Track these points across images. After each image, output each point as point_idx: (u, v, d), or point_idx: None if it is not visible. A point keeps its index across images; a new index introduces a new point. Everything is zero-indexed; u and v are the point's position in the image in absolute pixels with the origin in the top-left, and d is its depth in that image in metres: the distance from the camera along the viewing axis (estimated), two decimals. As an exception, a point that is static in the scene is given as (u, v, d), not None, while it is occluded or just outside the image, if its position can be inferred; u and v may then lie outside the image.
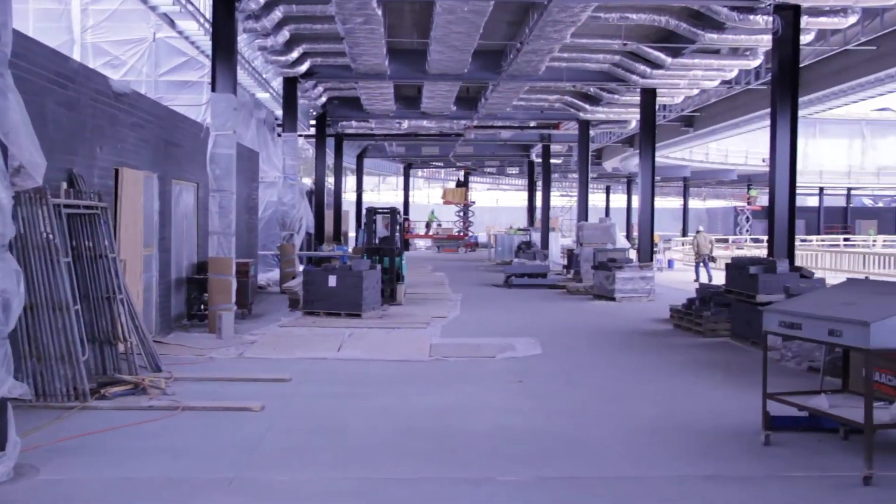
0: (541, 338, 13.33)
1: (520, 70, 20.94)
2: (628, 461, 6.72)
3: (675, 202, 69.98)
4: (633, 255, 25.18)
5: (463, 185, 56.82)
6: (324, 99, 26.60)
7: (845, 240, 57.01)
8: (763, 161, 58.77)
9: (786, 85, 15.03)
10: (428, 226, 54.13)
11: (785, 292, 11.50)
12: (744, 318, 12.85)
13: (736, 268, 13.50)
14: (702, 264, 25.65)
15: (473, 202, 55.75)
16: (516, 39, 18.95)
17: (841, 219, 65.89)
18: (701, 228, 28.58)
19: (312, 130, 30.98)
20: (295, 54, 19.88)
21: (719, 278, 23.93)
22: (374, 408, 8.48)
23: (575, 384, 10.02)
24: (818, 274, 17.45)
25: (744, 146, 56.36)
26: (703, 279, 24.27)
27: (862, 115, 60.31)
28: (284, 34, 18.08)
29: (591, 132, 31.76)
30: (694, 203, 71.45)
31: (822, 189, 63.21)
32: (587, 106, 27.32)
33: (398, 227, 19.45)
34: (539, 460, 6.69)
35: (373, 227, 19.39)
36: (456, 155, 45.24)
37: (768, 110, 25.79)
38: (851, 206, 67.71)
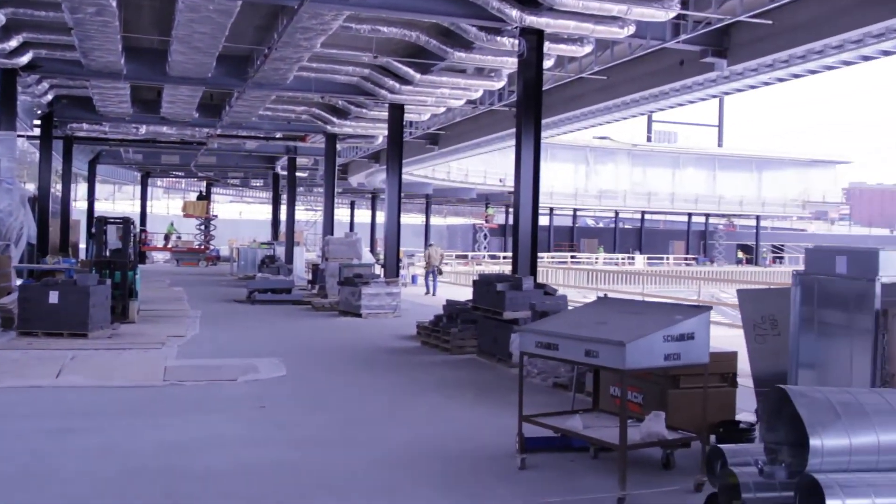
0: (286, 357, 12.67)
1: (267, 78, 20.16)
2: (380, 495, 6.29)
3: (418, 218, 71.52)
4: (378, 270, 25.09)
5: (204, 197, 54.45)
6: (50, 97, 24.27)
7: (572, 257, 60.91)
8: (500, 181, 61.51)
9: (530, 107, 15.44)
10: (167, 238, 51.36)
11: (531, 309, 11.65)
12: (490, 334, 12.92)
13: (483, 284, 13.57)
14: (431, 275, 27.63)
15: (216, 216, 53.57)
16: (264, 45, 18.18)
17: (568, 237, 70.16)
18: (433, 242, 30.13)
19: (37, 131, 28.24)
20: (14, 42, 17.82)
21: (446, 291, 25.99)
22: (94, 446, 7.46)
23: (322, 408, 9.48)
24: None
25: (483, 166, 58.60)
26: (432, 289, 26.83)
27: (586, 142, 64.83)
28: (0, 18, 16.16)
29: (338, 146, 31.46)
30: (435, 220, 73.37)
31: (552, 209, 67.16)
32: (335, 119, 26.96)
33: (132, 239, 17.98)
34: (284, 502, 6.09)
35: (103, 238, 17.76)
36: (198, 165, 43.27)
37: (510, 131, 26.89)
38: (577, 225, 72.31)
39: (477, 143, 30.87)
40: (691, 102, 21.52)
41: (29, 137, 29.75)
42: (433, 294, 26.22)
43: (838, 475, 3.48)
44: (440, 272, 28.60)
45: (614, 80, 20.05)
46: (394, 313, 19.62)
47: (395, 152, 23.79)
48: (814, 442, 3.45)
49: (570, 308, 11.76)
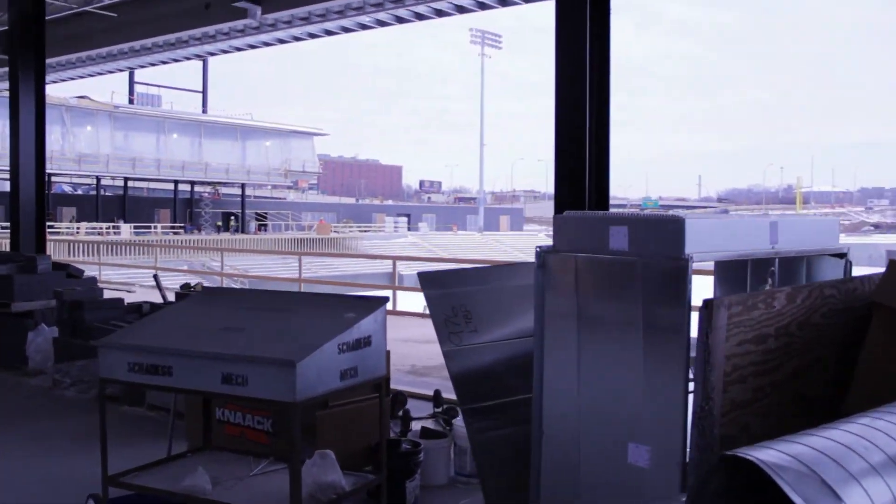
0: None
1: None
2: None
3: None
4: None
5: None
6: None
7: (50, 227, 54.68)
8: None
9: (29, 42, 12.22)
10: None
11: (57, 298, 8.85)
12: (-8, 334, 9.75)
13: (-22, 268, 10.20)
14: None
15: None
16: None
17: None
18: None
19: None
20: None
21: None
22: None
23: None
24: None
25: None
26: None
27: (61, 100, 58.96)
28: None
29: None
30: None
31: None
32: None
33: None
34: None
35: None
36: None
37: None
38: (53, 192, 65.53)
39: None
40: (212, 54, 19.43)
41: None
42: None
43: None
44: None
45: (129, 20, 17.06)
46: None
47: None
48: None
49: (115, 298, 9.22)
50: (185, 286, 8.52)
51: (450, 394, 7.47)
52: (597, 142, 6.63)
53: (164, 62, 20.10)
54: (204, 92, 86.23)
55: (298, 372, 3.85)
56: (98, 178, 65.35)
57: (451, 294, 4.68)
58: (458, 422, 5.89)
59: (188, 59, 19.57)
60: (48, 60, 18.49)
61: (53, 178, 64.20)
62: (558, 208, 6.62)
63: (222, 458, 4.97)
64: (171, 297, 9.12)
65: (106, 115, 65.58)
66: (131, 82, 79.37)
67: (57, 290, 8.89)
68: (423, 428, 5.85)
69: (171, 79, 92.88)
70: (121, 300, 8.80)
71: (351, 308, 4.42)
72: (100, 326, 8.25)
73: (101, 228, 57.63)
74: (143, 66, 20.76)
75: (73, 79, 21.81)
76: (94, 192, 67.22)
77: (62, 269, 9.94)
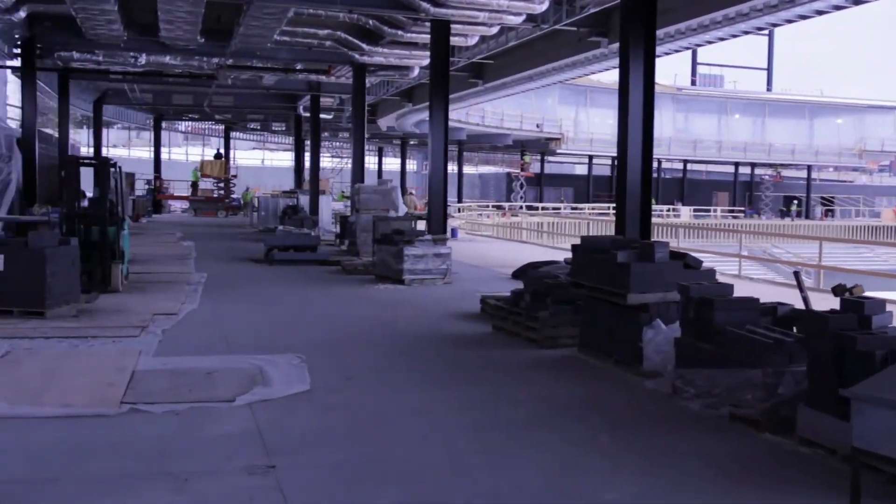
0: (310, 352, 8.87)
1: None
2: None
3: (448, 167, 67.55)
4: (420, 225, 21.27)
5: (222, 156, 49.46)
6: (23, 14, 19.93)
7: (614, 208, 56.59)
8: (537, 126, 57.23)
9: (638, 16, 11.34)
10: (195, 185, 46.74)
11: (681, 293, 7.64)
12: (602, 324, 8.96)
13: (589, 251, 9.47)
14: None
15: (235, 175, 48.34)
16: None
17: (607, 187, 66.04)
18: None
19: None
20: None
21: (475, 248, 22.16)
22: None
23: (376, 470, 5.52)
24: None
25: (518, 110, 54.64)
26: None
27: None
28: None
29: (368, 81, 27.39)
30: (466, 168, 69.28)
31: (591, 157, 63.27)
32: (364, 45, 22.77)
33: (116, 186, 14.17)
34: None
35: (74, 184, 13.86)
36: (213, 106, 39.32)
37: (571, 60, 22.66)
38: (615, 175, 68.03)
39: (529, 76, 26.53)
40: (774, 25, 17.06)
41: (13, 69, 25.85)
42: None
43: None
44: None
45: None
46: (444, 279, 15.76)
47: (440, 83, 19.50)
48: None
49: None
50: (840, 288, 6.67)
51: None
52: None
53: (721, 38, 18.40)
54: (769, 69, 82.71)
55: None
56: (659, 161, 66.21)
57: None
58: None
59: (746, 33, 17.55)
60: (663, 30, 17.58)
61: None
62: None
63: None
64: (812, 298, 7.38)
65: (669, 97, 66.05)
66: (693, 63, 79.23)
67: (682, 283, 7.69)
68: None
69: (734, 57, 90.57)
70: (755, 300, 7.29)
71: None
72: (733, 331, 6.86)
73: (660, 210, 58.17)
74: (699, 45, 19.27)
75: (684, 49, 21.00)
76: (655, 175, 68.38)
77: (679, 259, 8.77)
